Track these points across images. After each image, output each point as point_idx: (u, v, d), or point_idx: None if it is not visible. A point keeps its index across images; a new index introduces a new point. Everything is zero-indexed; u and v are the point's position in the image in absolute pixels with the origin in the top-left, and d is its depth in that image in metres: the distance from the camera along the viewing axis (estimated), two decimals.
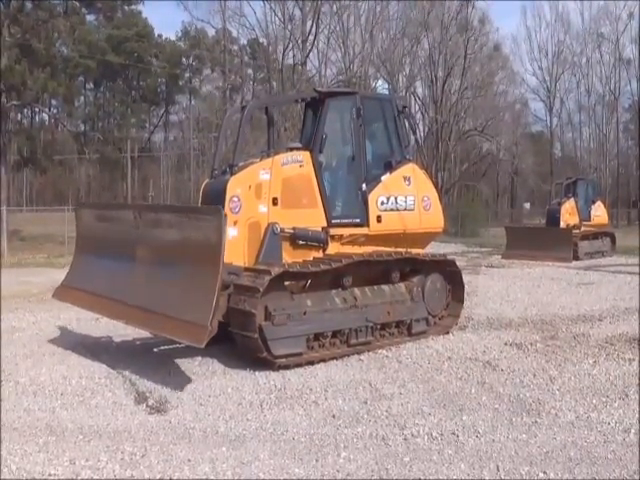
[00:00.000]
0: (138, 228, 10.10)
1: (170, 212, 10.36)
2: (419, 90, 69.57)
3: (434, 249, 14.22)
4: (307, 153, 11.31)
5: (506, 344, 11.63)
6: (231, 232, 10.17)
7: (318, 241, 11.36)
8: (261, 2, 63.49)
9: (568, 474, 6.22)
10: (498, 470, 6.30)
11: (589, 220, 32.53)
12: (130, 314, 9.82)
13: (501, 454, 6.72)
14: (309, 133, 11.78)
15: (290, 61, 58.30)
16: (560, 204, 31.78)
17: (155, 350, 11.27)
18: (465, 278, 13.19)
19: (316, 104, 11.82)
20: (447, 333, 12.36)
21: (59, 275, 13.52)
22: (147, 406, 8.27)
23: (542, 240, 28.97)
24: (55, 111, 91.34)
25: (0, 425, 7.40)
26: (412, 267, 12.13)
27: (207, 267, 8.66)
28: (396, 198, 12.18)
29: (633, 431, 7.38)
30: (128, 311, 9.85)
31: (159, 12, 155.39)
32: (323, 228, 11.42)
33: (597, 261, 29.37)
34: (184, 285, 9.00)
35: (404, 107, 12.94)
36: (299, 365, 10.04)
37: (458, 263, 13.15)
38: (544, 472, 6.24)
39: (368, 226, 11.85)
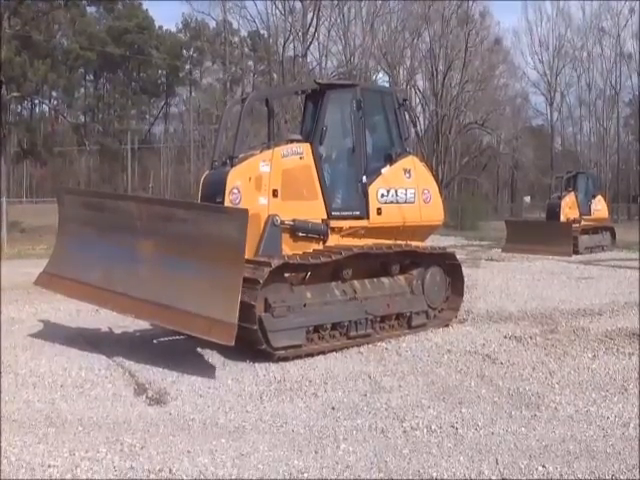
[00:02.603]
0: (142, 220, 10.04)
1: (193, 210, 10.27)
2: (420, 83, 69.53)
3: (434, 242, 14.23)
4: (307, 145, 11.28)
5: (506, 337, 11.64)
6: None
7: (318, 233, 11.35)
8: None
9: (567, 468, 6.21)
10: (497, 463, 6.29)
11: (589, 214, 32.49)
12: (139, 308, 9.78)
13: (500, 447, 6.72)
14: (309, 125, 11.77)
15: (291, 53, 58.41)
16: (560, 198, 31.73)
17: (155, 341, 11.29)
18: (465, 271, 13.21)
19: (316, 96, 11.80)
20: (447, 326, 12.38)
21: None
22: (147, 397, 8.27)
23: (542, 234, 28.96)
24: (55, 103, 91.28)
25: (0, 418, 7.41)
26: (412, 260, 12.13)
27: (231, 265, 8.75)
28: (396, 191, 12.16)
29: (632, 425, 7.38)
30: (136, 304, 9.80)
31: (159, 4, 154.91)
32: (323, 220, 11.40)
33: (597, 255, 29.40)
34: (208, 283, 8.97)
35: (404, 100, 12.91)
36: (298, 357, 10.05)
37: (458, 256, 13.18)
38: (543, 466, 6.24)
39: (368, 218, 11.83)
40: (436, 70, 63.14)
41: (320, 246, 11.37)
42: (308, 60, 59.84)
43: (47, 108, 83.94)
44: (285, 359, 9.87)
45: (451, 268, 12.68)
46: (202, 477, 5.97)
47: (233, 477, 5.98)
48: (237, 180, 10.49)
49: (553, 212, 31.37)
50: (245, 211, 8.94)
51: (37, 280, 11.76)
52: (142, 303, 9.69)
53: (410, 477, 6.02)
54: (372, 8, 62.11)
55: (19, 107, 78.10)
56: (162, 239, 9.80)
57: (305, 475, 6.03)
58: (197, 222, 9.48)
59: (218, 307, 8.70)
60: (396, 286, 11.77)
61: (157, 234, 9.88)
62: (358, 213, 11.80)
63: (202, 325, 8.84)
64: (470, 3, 64.35)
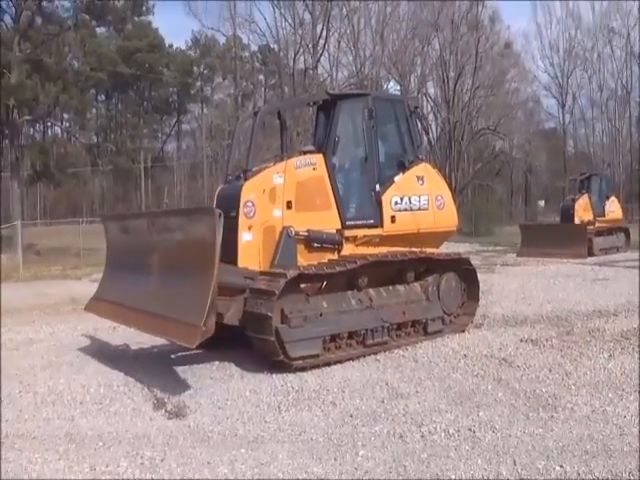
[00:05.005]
0: (150, 235, 10.18)
1: (169, 216, 10.46)
2: (431, 90, 69.61)
3: (448, 248, 14.22)
4: (320, 156, 11.38)
5: (522, 341, 11.64)
6: (246, 237, 10.34)
7: (333, 243, 11.42)
8: (271, 8, 63.50)
9: (585, 467, 6.23)
10: (515, 465, 6.32)
11: (603, 216, 32.42)
12: (139, 319, 9.94)
13: (518, 449, 6.74)
14: (322, 136, 11.86)
15: (301, 66, 58.50)
16: (574, 200, 31.73)
17: (172, 356, 11.32)
18: (480, 277, 13.22)
19: (328, 107, 11.90)
20: (463, 331, 12.39)
21: (75, 287, 13.64)
22: (166, 411, 8.34)
23: (557, 237, 28.92)
24: (67, 124, 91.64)
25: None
26: (427, 267, 12.16)
27: (203, 267, 8.64)
28: (410, 198, 12.21)
29: None
30: (138, 316, 9.96)
31: (169, 21, 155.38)
32: (337, 230, 11.47)
33: (612, 257, 29.30)
34: (181, 286, 9.07)
35: (416, 107, 12.89)
36: (316, 367, 10.08)
37: (473, 262, 13.18)
38: (561, 466, 6.27)
39: (382, 227, 11.89)
40: (447, 77, 63.25)
41: (335, 256, 11.43)
42: (319, 72, 59.94)
43: (60, 130, 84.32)
44: (302, 369, 9.90)
45: (466, 274, 12.71)
46: None
47: None
48: (251, 193, 10.57)
49: (567, 214, 31.37)
50: (214, 209, 8.90)
51: (86, 306, 12.05)
52: (141, 314, 9.86)
53: None
54: (381, 17, 62.25)
55: (31, 130, 78.32)
56: (157, 250, 9.98)
57: None
58: (175, 227, 9.73)
59: (188, 310, 8.67)
60: (412, 293, 11.79)
61: (153, 245, 10.07)
62: (372, 222, 11.85)
63: (173, 329, 8.89)
64: (480, 8, 64.40)
